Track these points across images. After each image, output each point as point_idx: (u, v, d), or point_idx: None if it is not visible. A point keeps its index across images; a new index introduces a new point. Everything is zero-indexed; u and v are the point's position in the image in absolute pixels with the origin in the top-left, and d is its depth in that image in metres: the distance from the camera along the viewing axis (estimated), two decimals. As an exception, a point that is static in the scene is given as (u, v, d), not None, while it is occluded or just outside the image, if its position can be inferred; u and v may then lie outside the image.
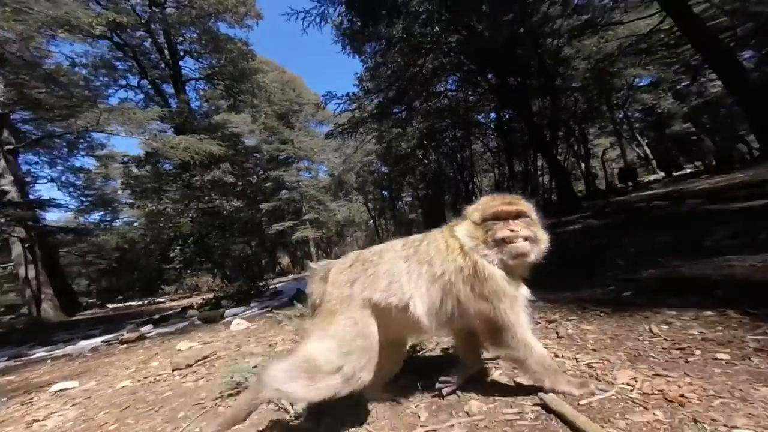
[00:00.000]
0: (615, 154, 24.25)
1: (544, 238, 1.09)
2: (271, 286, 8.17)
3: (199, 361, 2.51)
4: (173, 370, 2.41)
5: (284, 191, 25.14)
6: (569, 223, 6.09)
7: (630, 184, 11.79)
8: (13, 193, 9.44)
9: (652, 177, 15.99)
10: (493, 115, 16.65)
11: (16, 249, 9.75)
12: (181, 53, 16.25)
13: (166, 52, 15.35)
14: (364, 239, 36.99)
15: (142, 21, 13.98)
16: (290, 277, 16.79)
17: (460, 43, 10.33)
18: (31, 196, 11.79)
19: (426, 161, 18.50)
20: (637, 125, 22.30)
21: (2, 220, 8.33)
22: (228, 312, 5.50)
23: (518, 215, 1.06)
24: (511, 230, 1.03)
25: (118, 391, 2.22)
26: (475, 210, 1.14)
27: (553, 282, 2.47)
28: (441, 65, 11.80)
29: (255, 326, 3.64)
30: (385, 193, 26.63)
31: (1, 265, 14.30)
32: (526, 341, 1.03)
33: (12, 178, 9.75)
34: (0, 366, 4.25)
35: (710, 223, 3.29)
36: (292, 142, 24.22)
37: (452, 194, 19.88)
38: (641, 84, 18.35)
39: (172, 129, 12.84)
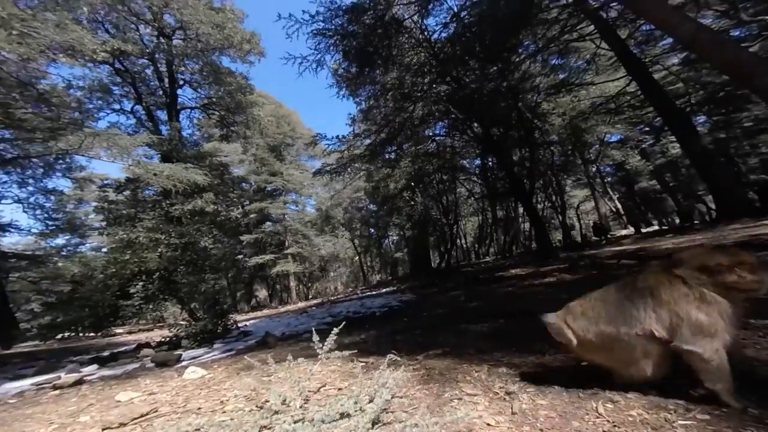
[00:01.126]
0: (590, 206, 25.54)
1: None
2: (240, 325, 7.63)
3: (135, 419, 2.19)
4: (103, 430, 2.09)
5: (268, 223, 24.77)
6: (545, 275, 6.15)
7: (602, 238, 12.30)
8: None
9: (623, 232, 16.77)
10: (477, 161, 17.59)
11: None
12: (181, 82, 16.76)
13: (166, 80, 15.81)
14: (348, 275, 36.11)
15: (147, 50, 14.55)
16: (265, 312, 15.88)
17: (448, 93, 11.16)
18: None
19: (412, 203, 18.91)
20: (608, 179, 23.89)
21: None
22: (186, 354, 5.00)
23: None
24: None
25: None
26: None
27: (521, 342, 2.35)
28: (430, 112, 12.64)
29: (211, 375, 3.29)
30: (372, 230, 26.68)
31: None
32: None
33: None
34: None
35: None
36: (282, 175, 24.44)
37: (437, 236, 20.08)
38: (611, 141, 20.05)
39: (159, 156, 12.81)
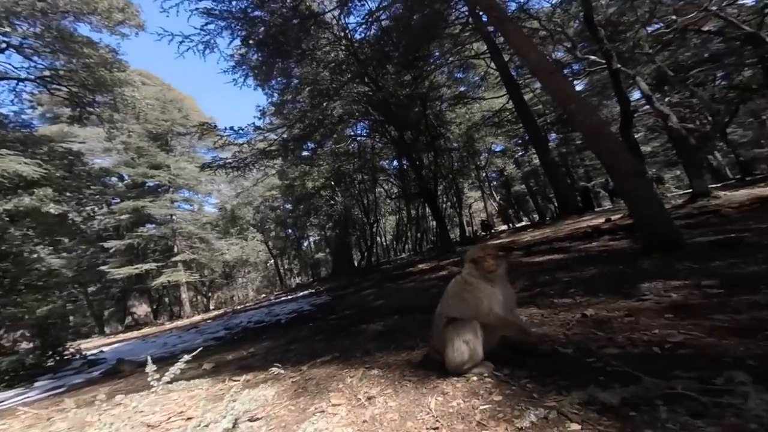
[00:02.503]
0: (481, 206, 29.88)
1: None
2: (92, 352, 6.06)
3: None
4: None
5: (150, 226, 20.46)
6: (442, 268, 6.88)
7: (487, 233, 14.63)
8: None
9: (503, 227, 20.28)
10: (395, 163, 18.41)
11: None
12: (2, 45, 12.26)
13: None
14: (260, 281, 33.01)
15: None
16: (144, 331, 13.15)
17: (368, 95, 11.29)
18: None
19: (332, 202, 18.56)
20: (493, 183, 28.42)
21: None
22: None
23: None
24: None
25: None
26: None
27: (402, 339, 2.50)
28: (350, 111, 12.57)
29: (6, 425, 2.54)
30: (290, 231, 25.06)
31: None
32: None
33: None
34: None
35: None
36: (168, 168, 20.52)
37: (358, 235, 20.25)
38: (496, 150, 23.85)
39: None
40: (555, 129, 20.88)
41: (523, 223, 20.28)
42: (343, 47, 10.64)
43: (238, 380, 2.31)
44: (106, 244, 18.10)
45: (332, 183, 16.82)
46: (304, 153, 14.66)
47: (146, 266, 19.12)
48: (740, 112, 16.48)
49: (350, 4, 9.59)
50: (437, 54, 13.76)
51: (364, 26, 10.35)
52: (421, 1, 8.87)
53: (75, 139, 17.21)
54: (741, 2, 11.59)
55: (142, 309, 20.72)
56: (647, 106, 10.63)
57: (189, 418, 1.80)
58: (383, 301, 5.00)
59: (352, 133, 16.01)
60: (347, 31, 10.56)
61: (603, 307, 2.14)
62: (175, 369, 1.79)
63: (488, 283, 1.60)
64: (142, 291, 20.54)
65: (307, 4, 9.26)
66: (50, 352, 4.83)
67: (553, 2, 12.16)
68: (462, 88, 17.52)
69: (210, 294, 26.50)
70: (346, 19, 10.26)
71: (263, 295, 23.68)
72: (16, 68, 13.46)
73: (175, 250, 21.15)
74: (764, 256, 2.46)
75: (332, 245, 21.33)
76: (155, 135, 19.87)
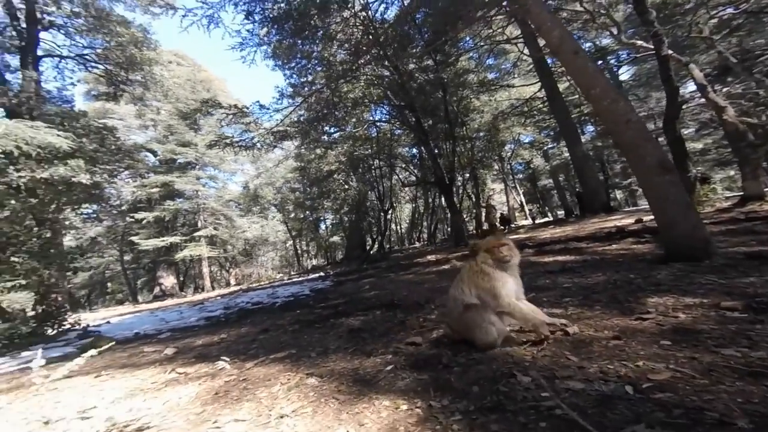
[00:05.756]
0: (503, 199, 28.71)
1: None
2: (98, 323, 6.44)
3: None
4: None
5: (179, 200, 21.51)
6: (448, 261, 6.58)
7: (505, 227, 13.96)
8: None
9: (523, 222, 19.27)
10: (414, 150, 17.92)
11: None
12: (46, 23, 13.00)
13: (22, 18, 12.08)
14: (279, 260, 34.14)
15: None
16: (167, 302, 13.98)
17: (388, 79, 10.86)
18: None
19: (347, 186, 18.51)
20: (519, 176, 27.04)
21: None
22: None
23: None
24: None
25: None
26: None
27: (369, 340, 2.32)
28: (367, 94, 12.20)
29: None
30: (307, 213, 25.56)
31: None
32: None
33: None
34: None
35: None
36: (195, 146, 21.30)
37: (373, 221, 20.20)
38: (525, 141, 22.53)
39: (4, 112, 9.69)
40: (592, 121, 19.25)
41: (545, 219, 19.21)
42: (361, 26, 10.18)
43: (183, 372, 2.26)
44: (137, 215, 19.25)
45: (346, 167, 16.63)
46: (323, 136, 14.56)
47: (172, 239, 20.23)
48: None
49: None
50: (467, 38, 12.86)
51: (384, 4, 9.79)
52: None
53: (113, 116, 18.23)
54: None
55: (169, 281, 22.07)
56: (702, 99, 9.38)
57: (88, 418, 1.65)
58: (376, 292, 4.84)
59: (371, 118, 15.64)
60: (368, 11, 10.05)
61: (592, 324, 1.81)
62: (72, 365, 1.68)
63: (502, 271, 1.70)
64: (169, 263, 21.82)
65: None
66: (51, 321, 5.10)
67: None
68: (491, 75, 16.46)
69: (230, 270, 27.76)
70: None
71: (280, 275, 24.48)
72: (58, 46, 14.29)
73: (199, 225, 22.19)
74: (813, 276, 1.99)
75: (347, 230, 21.41)
76: (184, 114, 20.56)
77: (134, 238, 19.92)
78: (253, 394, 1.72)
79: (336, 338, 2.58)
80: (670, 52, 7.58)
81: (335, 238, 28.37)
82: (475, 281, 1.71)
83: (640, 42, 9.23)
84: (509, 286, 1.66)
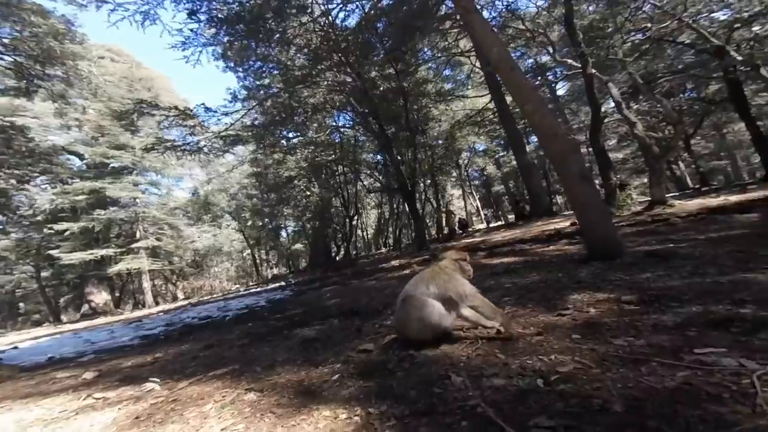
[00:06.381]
0: (461, 204, 30.14)
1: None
2: (6, 348, 5.60)
3: None
4: None
5: (113, 208, 19.19)
6: (410, 266, 6.74)
7: (463, 231, 14.74)
8: None
9: (479, 226, 20.42)
10: (379, 156, 18.05)
11: None
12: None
13: None
14: (235, 271, 32.01)
15: None
16: (97, 321, 12.40)
17: (350, 85, 10.83)
18: None
19: (308, 193, 18.04)
20: (475, 183, 28.64)
21: None
22: None
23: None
24: None
25: None
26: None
27: (322, 349, 2.31)
28: (329, 100, 12.04)
29: None
30: (267, 220, 24.34)
31: None
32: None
33: None
34: None
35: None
36: (133, 150, 19.28)
37: (338, 227, 19.89)
38: (479, 150, 23.92)
39: None
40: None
41: (498, 223, 20.58)
42: (321, 32, 10.09)
43: (101, 397, 2.05)
44: (57, 226, 16.81)
45: (308, 173, 16.27)
46: (281, 141, 14.09)
47: (103, 252, 17.99)
48: (704, 125, 17.20)
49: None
50: (426, 49, 13.42)
51: (344, 12, 9.82)
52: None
53: (25, 113, 15.80)
54: (714, 15, 11.91)
55: (101, 297, 19.50)
56: (618, 114, 10.80)
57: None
58: (336, 300, 4.79)
59: (334, 123, 15.54)
60: (328, 17, 10.00)
61: (523, 322, 2.00)
62: None
63: (462, 276, 1.95)
64: (100, 278, 19.34)
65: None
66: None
67: (539, 4, 12.06)
68: (449, 85, 17.27)
69: (177, 282, 25.48)
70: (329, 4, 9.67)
71: (236, 286, 22.99)
72: (-47, 32, 12.14)
73: (138, 235, 20.05)
74: (691, 269, 2.40)
75: (310, 237, 20.86)
76: (119, 114, 18.53)
77: (54, 252, 17.34)
78: (181, 415, 1.61)
79: (286, 350, 2.50)
80: (593, 71, 8.66)
81: (298, 246, 27.47)
82: (440, 281, 1.84)
83: (570, 60, 10.38)
84: (471, 286, 1.88)
